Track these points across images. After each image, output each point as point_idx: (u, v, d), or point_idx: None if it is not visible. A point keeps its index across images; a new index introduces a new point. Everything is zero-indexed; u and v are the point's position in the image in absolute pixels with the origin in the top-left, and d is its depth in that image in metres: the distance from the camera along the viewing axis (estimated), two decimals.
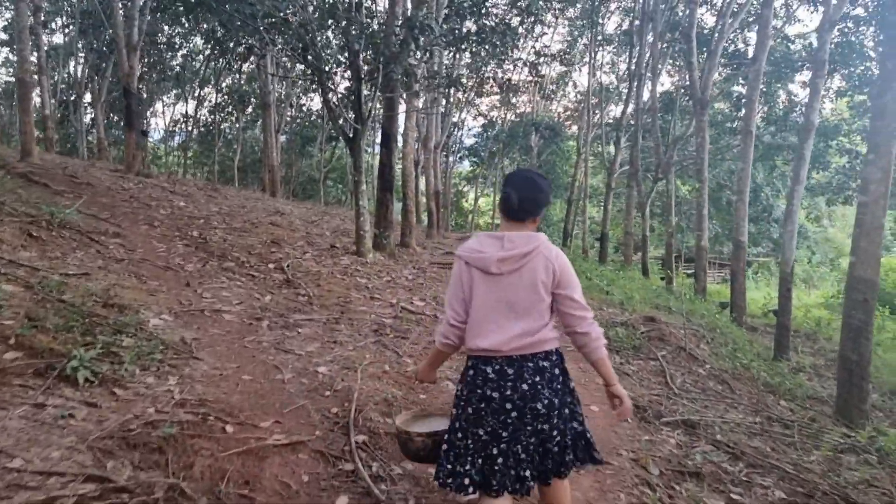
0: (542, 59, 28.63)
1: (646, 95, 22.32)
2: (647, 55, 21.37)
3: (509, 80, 39.16)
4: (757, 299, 24.87)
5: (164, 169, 33.83)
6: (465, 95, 36.78)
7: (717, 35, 15.44)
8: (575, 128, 38.29)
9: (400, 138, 13.46)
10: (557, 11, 34.67)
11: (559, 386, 2.48)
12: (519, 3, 20.41)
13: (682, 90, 20.81)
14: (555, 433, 2.46)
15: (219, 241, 8.53)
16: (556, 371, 2.49)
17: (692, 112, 19.37)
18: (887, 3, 10.94)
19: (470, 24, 11.61)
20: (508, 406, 2.40)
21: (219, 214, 10.81)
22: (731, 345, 9.30)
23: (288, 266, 7.87)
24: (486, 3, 10.81)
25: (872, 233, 6.75)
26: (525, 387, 2.40)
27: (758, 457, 4.72)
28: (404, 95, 11.43)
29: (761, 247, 29.93)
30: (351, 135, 9.33)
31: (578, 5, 30.13)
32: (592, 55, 27.48)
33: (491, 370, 2.43)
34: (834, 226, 37.57)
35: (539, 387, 2.41)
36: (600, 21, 27.23)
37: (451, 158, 42.00)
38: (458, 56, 17.06)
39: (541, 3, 31.71)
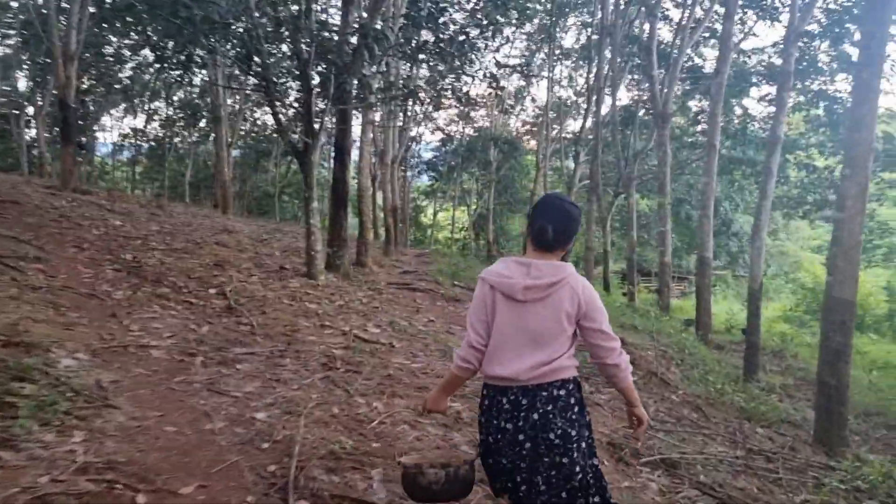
0: (501, 71, 28.39)
1: (605, 110, 22.24)
2: (606, 69, 21.27)
3: (467, 93, 39.09)
4: (717, 314, 24.89)
5: (110, 185, 32.55)
6: (423, 109, 36.49)
7: (676, 49, 15.32)
8: (534, 142, 38.16)
9: (355, 152, 12.94)
10: (515, 26, 34.79)
11: (574, 416, 2.38)
12: (478, 15, 20.15)
13: (642, 104, 20.73)
14: (576, 469, 2.35)
15: (155, 264, 7.85)
16: (572, 400, 2.40)
17: (651, 126, 19.30)
18: (865, 14, 10.88)
19: (427, 35, 11.17)
20: (521, 437, 2.35)
21: (159, 234, 10.10)
22: (700, 366, 8.97)
23: (231, 291, 7.23)
24: (445, 13, 10.39)
25: (850, 251, 6.45)
26: (535, 416, 2.34)
27: (746, 500, 4.30)
28: (359, 108, 10.90)
29: (719, 260, 30.06)
30: (301, 149, 8.75)
31: (536, 21, 30.17)
32: (550, 69, 27.33)
33: (506, 400, 2.39)
34: (789, 239, 38.14)
35: (551, 416, 2.34)
36: (559, 34, 27.09)
37: (409, 173, 41.59)
38: (415, 68, 16.63)
39: (498, 17, 31.64)
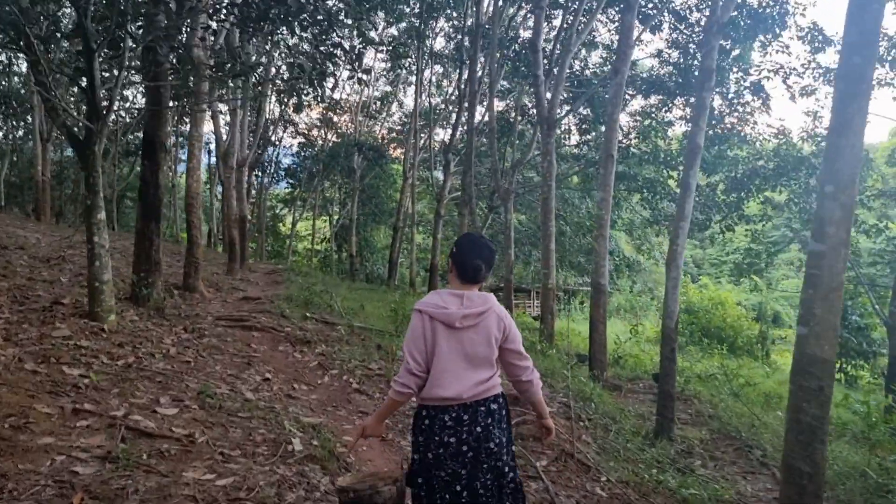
0: (363, 47, 26.47)
1: (478, 118, 20.67)
2: (481, 73, 19.68)
3: (322, 74, 36.56)
4: (580, 329, 23.97)
5: None
6: (282, 109, 33.66)
7: (562, 48, 13.86)
8: (400, 151, 36.29)
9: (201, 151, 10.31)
10: (383, 27, 32.79)
11: (504, 425, 2.76)
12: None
13: (521, 110, 19.25)
14: (507, 469, 2.73)
15: None
16: (504, 412, 2.77)
17: (532, 134, 17.85)
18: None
19: None
20: (465, 448, 2.64)
21: None
22: (612, 427, 7.23)
23: None
24: None
25: (831, 294, 4.79)
26: (479, 429, 2.65)
27: None
28: (182, 90, 8.37)
29: (587, 276, 29.43)
30: (82, 136, 6.14)
31: (403, 24, 28.42)
32: (420, 72, 25.54)
33: (448, 417, 2.65)
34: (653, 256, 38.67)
35: (491, 427, 2.67)
36: (429, 36, 25.38)
37: (266, 179, 38.57)
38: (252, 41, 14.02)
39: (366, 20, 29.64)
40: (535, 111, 20.19)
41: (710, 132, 17.13)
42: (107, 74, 6.58)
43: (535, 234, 26.27)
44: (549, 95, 13.10)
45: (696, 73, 13.10)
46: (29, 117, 29.09)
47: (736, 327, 21.39)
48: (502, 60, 17.92)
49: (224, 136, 17.73)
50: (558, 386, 8.89)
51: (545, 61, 14.27)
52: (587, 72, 17.85)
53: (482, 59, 19.30)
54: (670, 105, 16.04)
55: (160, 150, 7.74)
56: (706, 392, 10.72)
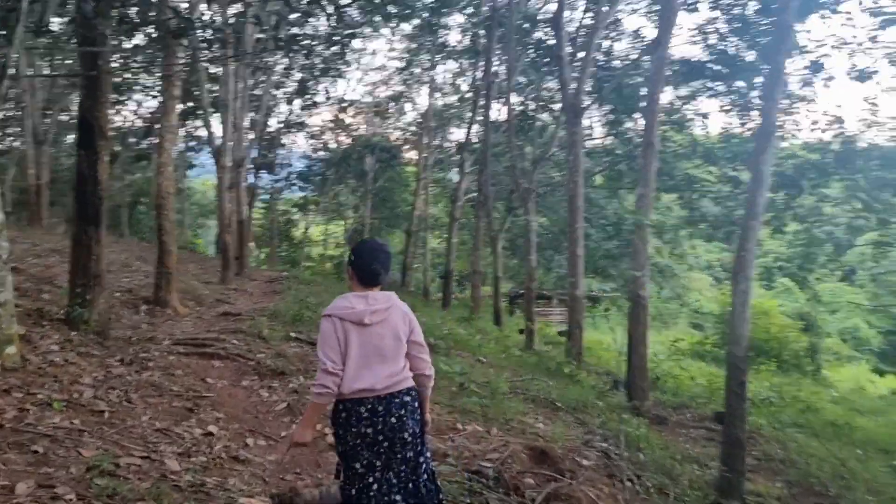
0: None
1: (494, 114, 19.12)
2: (497, 64, 18.13)
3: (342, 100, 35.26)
4: (608, 341, 22.27)
5: None
6: (289, 109, 32.37)
7: (589, 28, 12.24)
8: (414, 153, 34.81)
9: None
10: (394, 23, 31.38)
11: (417, 417, 2.88)
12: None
13: (543, 102, 17.56)
14: (421, 459, 2.88)
15: None
16: (416, 405, 2.89)
17: (553, 129, 16.25)
18: None
19: None
20: (381, 438, 2.75)
21: None
22: (669, 486, 5.59)
23: None
24: None
25: None
26: (393, 420, 2.76)
27: None
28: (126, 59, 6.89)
29: (613, 282, 27.57)
30: None
31: (416, 21, 27.02)
32: (433, 68, 24.06)
33: (364, 409, 2.75)
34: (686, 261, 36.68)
35: (405, 419, 2.79)
36: (442, 31, 23.86)
37: (279, 183, 37.34)
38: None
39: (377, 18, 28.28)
40: (556, 101, 18.62)
41: (753, 125, 15.44)
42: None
43: (558, 237, 24.60)
44: (574, 78, 11.49)
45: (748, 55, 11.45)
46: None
47: (781, 339, 19.57)
48: (521, 50, 16.33)
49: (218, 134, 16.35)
50: (593, 422, 7.28)
51: (569, 45, 12.66)
52: (614, 60, 16.14)
53: (498, 50, 17.79)
54: (712, 92, 14.28)
55: (98, 137, 6.25)
56: (764, 422, 9.01)
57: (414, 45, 29.68)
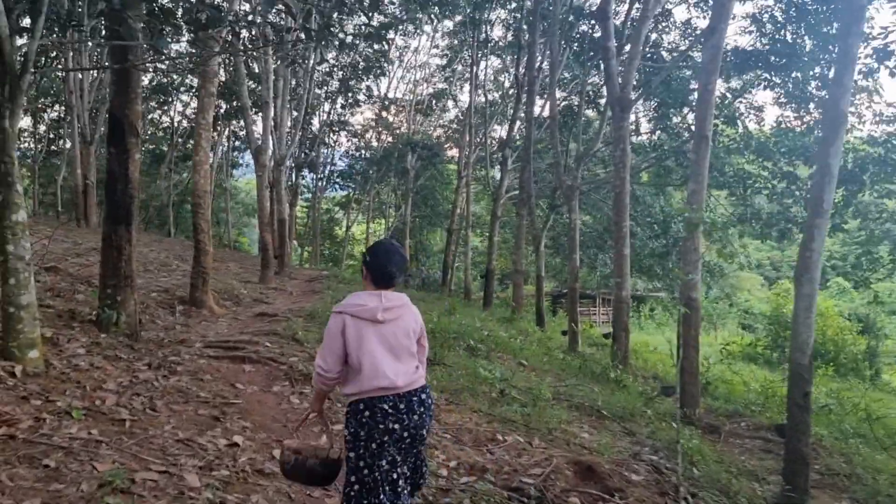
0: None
1: (537, 110, 18.66)
2: (540, 60, 17.70)
3: (385, 96, 35.17)
4: (654, 345, 21.59)
5: None
6: (332, 107, 32.39)
7: (637, 17, 11.73)
8: (455, 151, 34.51)
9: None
10: (437, 19, 31.12)
11: (432, 413, 2.95)
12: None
13: (587, 96, 17.04)
14: (421, 451, 2.99)
15: None
16: (430, 402, 2.92)
17: (598, 124, 15.75)
18: None
19: None
20: (405, 435, 2.79)
21: None
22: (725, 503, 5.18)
23: None
24: None
25: None
26: (416, 417, 2.81)
27: None
28: (152, 53, 6.74)
29: (659, 281, 26.79)
30: None
31: (458, 17, 26.71)
32: (475, 62, 23.69)
33: (388, 406, 2.76)
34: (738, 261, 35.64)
35: (424, 417, 2.86)
36: (485, 25, 23.50)
37: (322, 182, 37.46)
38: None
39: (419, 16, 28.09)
40: (601, 97, 18.09)
41: (809, 118, 14.70)
42: (24, 24, 4.93)
43: (602, 235, 24.03)
44: (621, 71, 11.03)
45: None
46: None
47: (838, 342, 18.65)
48: (565, 44, 15.87)
49: (258, 132, 16.33)
50: (641, 432, 6.87)
51: (616, 38, 12.16)
52: (662, 51, 15.54)
53: (541, 45, 17.38)
54: (769, 83, 13.55)
55: (129, 134, 6.09)
56: (825, 432, 8.43)
57: (456, 42, 29.43)
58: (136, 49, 5.96)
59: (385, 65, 32.44)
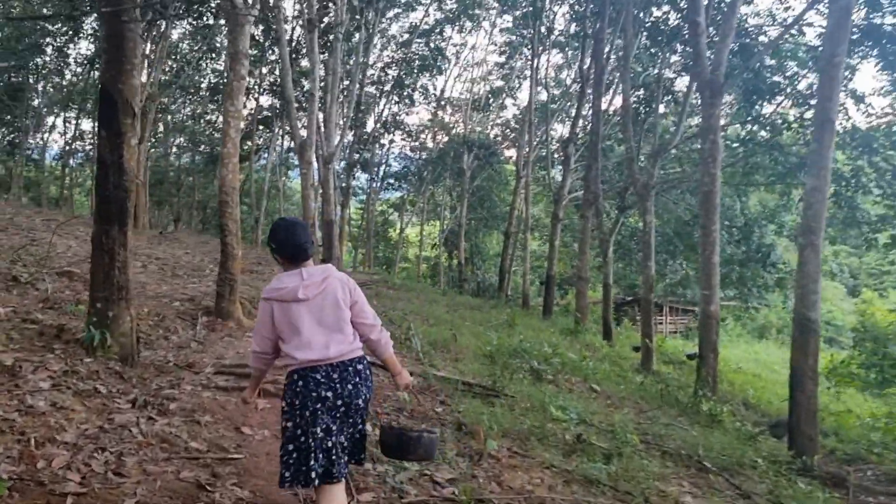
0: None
1: (604, 105, 17.16)
2: (609, 49, 16.23)
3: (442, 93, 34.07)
4: (732, 358, 19.80)
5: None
6: (386, 103, 31.45)
7: None
8: (513, 151, 33.11)
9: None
10: (496, 13, 29.83)
11: (370, 384, 2.98)
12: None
13: (671, 81, 15.37)
14: (360, 422, 2.97)
15: None
16: (368, 373, 2.98)
17: (680, 105, 14.16)
18: None
19: None
20: (339, 403, 2.83)
21: None
22: None
23: None
24: None
25: None
26: (350, 387, 2.86)
27: None
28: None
29: (731, 289, 24.73)
30: None
31: (518, 12, 25.42)
32: (536, 56, 22.30)
33: (319, 375, 2.83)
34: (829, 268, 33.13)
35: (360, 386, 2.90)
36: (550, 12, 22.11)
37: (376, 183, 36.66)
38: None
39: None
40: (676, 91, 16.48)
41: None
42: None
43: (671, 240, 22.28)
44: (711, 53, 9.51)
45: None
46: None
47: None
48: (640, 30, 14.36)
49: (303, 130, 15.33)
50: (756, 490, 5.42)
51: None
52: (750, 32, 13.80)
53: (609, 33, 15.91)
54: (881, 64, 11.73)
55: (122, 113, 4.98)
56: None
57: (514, 38, 28.08)
58: (130, 11, 4.85)
59: (441, 63, 31.38)
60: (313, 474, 2.77)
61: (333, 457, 2.80)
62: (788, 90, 13.59)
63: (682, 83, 16.12)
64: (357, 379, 2.87)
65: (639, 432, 6.19)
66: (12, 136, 31.63)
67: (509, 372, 7.52)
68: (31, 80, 27.93)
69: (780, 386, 13.70)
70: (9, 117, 29.36)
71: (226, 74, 8.07)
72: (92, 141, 33.80)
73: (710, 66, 9.27)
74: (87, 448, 3.53)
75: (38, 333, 5.14)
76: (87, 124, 30.44)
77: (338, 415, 2.83)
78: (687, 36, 12.28)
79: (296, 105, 14.91)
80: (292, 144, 36.15)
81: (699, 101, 11.94)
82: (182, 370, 5.39)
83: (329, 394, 2.79)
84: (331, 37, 17.35)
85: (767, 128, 13.30)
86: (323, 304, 2.86)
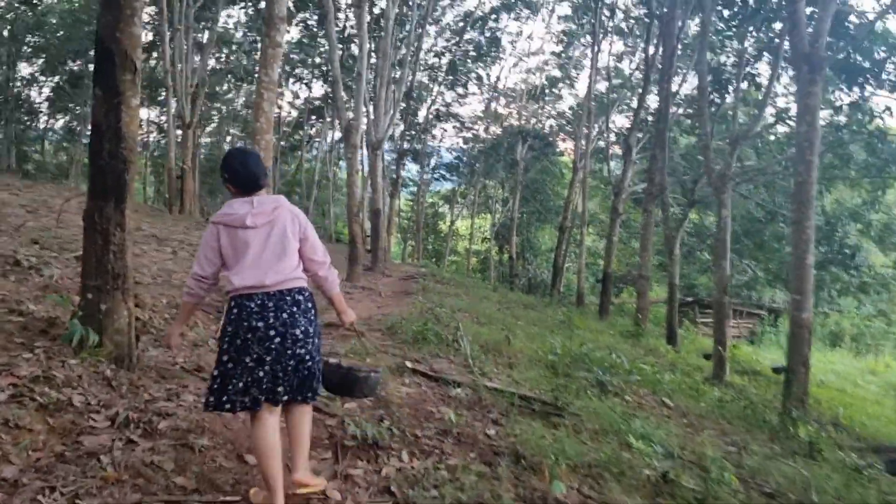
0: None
1: (674, 87, 15.86)
2: (680, 27, 14.94)
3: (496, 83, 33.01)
4: (816, 371, 18.21)
5: None
6: (439, 92, 30.59)
7: None
8: (569, 143, 31.83)
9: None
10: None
11: (311, 317, 2.91)
12: None
13: (749, 60, 13.94)
14: (307, 357, 2.87)
15: None
16: (309, 305, 2.91)
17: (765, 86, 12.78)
18: None
19: None
20: (272, 333, 2.77)
21: None
22: None
23: None
24: None
25: None
26: (285, 315, 2.80)
27: None
28: None
29: (826, 292, 22.79)
30: None
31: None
32: (597, 42, 21.09)
33: (254, 304, 2.78)
34: None
35: (296, 316, 2.82)
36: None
37: (427, 175, 35.93)
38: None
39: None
40: (757, 73, 15.06)
41: None
42: None
43: (739, 237, 20.76)
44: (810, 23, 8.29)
45: None
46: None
47: None
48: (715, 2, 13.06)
49: (350, 111, 14.49)
50: None
51: None
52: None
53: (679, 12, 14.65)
54: None
55: (121, 69, 4.16)
56: None
57: (573, 26, 26.85)
58: None
59: (496, 52, 30.38)
60: (238, 404, 2.76)
61: (264, 386, 2.76)
62: (885, 74, 12.12)
63: (762, 68, 14.71)
64: (294, 308, 2.83)
65: (733, 465, 5.12)
66: (72, 123, 31.89)
67: (573, 383, 6.52)
68: (89, 68, 27.88)
69: (870, 404, 12.33)
70: (71, 105, 29.56)
71: (260, 41, 7.35)
72: (148, 129, 33.92)
73: (811, 38, 8.04)
74: (30, 487, 2.69)
75: (20, 328, 4.38)
76: (144, 112, 30.37)
77: (272, 346, 2.76)
78: (775, 5, 10.99)
79: (342, 87, 14.09)
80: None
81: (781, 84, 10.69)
82: (189, 374, 4.56)
83: (260, 324, 2.76)
84: (381, 22, 16.55)
85: (861, 115, 11.87)
86: (270, 233, 2.86)
